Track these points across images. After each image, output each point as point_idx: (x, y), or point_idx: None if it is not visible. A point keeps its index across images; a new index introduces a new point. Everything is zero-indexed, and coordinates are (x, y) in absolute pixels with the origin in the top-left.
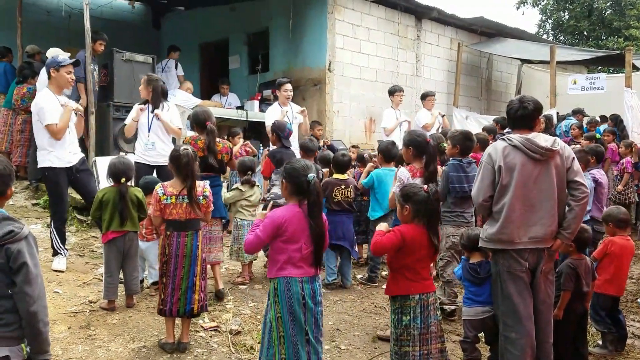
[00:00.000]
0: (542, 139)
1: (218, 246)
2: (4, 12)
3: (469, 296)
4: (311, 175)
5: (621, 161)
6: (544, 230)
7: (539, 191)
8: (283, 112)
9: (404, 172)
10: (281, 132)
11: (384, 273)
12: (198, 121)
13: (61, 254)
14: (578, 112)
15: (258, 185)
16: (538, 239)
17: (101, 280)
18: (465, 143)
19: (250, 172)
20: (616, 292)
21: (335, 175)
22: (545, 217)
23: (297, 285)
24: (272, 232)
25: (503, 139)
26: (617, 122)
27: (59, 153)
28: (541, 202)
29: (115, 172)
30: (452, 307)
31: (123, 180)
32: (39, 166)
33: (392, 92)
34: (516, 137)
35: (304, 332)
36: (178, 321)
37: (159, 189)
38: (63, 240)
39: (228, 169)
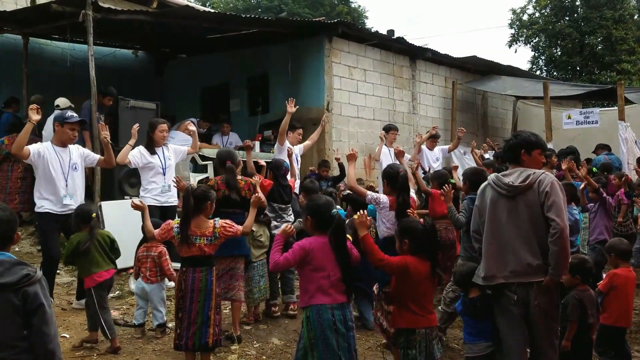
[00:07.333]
0: (514, 176)
1: (240, 284)
2: (10, 64)
3: (470, 330)
4: (334, 210)
5: (616, 193)
6: (520, 264)
7: (510, 226)
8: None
9: (383, 196)
10: (277, 170)
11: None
12: (220, 161)
13: None
14: (603, 147)
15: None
16: (517, 272)
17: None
18: (472, 178)
19: (265, 213)
20: (624, 323)
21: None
22: (519, 251)
23: (327, 312)
24: (300, 257)
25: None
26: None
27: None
28: (514, 237)
29: (87, 215)
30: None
31: (93, 215)
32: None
33: (386, 130)
34: (492, 176)
35: (337, 356)
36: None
37: (175, 225)
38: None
39: None
